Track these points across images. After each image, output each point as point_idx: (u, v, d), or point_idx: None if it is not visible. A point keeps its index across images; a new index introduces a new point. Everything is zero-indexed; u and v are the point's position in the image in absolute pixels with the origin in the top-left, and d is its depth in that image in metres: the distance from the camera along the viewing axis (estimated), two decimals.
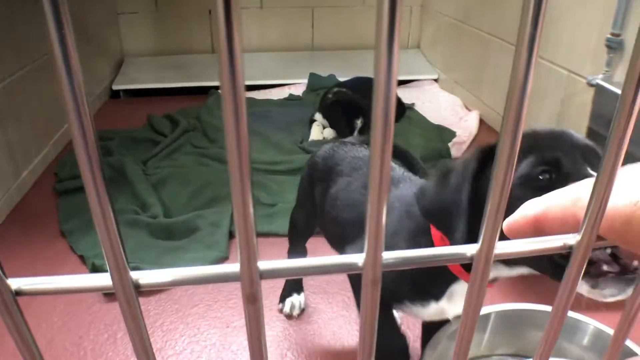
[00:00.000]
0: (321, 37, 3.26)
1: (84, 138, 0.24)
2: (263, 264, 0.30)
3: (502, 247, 0.34)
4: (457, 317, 0.98)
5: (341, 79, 2.73)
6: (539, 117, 2.02)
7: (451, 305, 0.88)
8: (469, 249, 0.34)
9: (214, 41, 3.16)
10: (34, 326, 1.25)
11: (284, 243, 1.55)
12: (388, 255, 0.32)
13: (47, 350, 1.20)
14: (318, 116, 2.28)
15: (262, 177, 1.87)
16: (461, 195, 0.72)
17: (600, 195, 0.31)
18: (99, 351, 1.20)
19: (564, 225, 0.35)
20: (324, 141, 2.18)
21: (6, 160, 1.73)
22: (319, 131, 2.24)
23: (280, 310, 1.31)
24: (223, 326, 1.26)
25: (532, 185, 0.68)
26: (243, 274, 0.29)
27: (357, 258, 0.31)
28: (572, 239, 0.34)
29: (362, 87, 2.35)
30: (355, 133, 2.12)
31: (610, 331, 1.00)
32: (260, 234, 1.60)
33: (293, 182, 1.84)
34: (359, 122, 2.13)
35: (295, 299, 1.31)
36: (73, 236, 1.57)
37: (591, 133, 1.72)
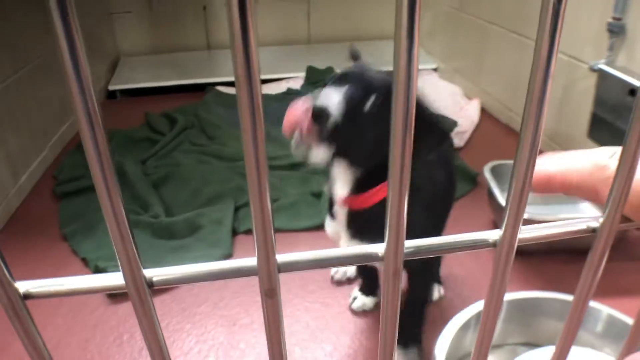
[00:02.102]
0: (318, 30, 3.23)
1: (93, 138, 0.23)
2: (281, 257, 0.28)
3: (525, 232, 0.32)
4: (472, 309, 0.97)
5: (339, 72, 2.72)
6: None
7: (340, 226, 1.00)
8: (491, 235, 0.33)
9: (209, 37, 3.14)
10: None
11: (288, 238, 1.54)
12: (409, 244, 0.31)
13: (54, 354, 1.18)
14: None
15: None
16: None
17: (625, 173, 0.29)
18: (106, 354, 1.19)
19: (579, 190, 0.34)
20: None
21: (4, 164, 1.71)
22: None
23: (350, 304, 1.29)
24: (230, 324, 1.24)
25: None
26: (261, 268, 0.28)
27: (377, 248, 0.30)
28: (594, 221, 0.32)
29: None
30: None
31: (624, 317, 0.99)
32: None
33: (294, 176, 1.83)
34: None
35: (368, 300, 1.27)
36: (75, 239, 1.56)
37: (595, 118, 1.71)
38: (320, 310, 1.28)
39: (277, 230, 1.55)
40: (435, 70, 2.94)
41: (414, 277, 1.09)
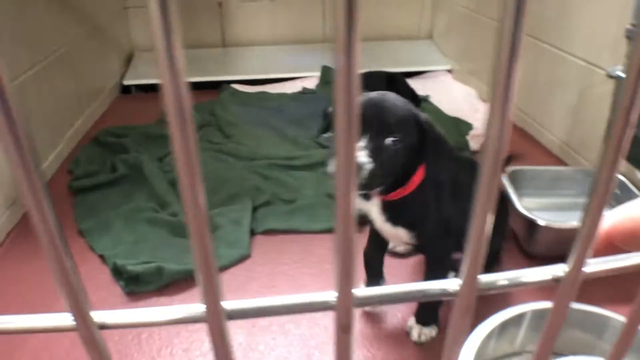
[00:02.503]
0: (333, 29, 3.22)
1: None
2: (359, 292, 0.29)
3: (592, 267, 0.32)
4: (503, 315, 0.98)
5: None
6: (556, 109, 2.00)
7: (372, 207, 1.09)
8: (556, 270, 0.33)
9: (225, 34, 3.14)
10: None
11: (305, 240, 1.55)
12: (485, 279, 0.31)
13: (72, 350, 1.19)
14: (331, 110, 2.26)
15: (279, 172, 1.85)
16: None
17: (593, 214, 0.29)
18: (124, 353, 1.19)
19: (635, 239, 0.33)
20: None
21: None
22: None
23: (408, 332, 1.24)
24: (249, 326, 1.25)
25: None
26: (340, 303, 0.28)
27: (449, 284, 0.30)
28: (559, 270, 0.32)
29: (373, 81, 2.33)
30: None
31: None
32: (279, 231, 1.59)
33: (311, 177, 1.83)
34: None
35: (427, 331, 1.22)
36: (92, 235, 1.56)
37: (612, 126, 1.70)
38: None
39: (293, 232, 1.56)
40: (449, 71, 2.93)
41: (430, 261, 1.18)
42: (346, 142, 0.22)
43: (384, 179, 0.97)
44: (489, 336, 0.94)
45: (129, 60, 3.01)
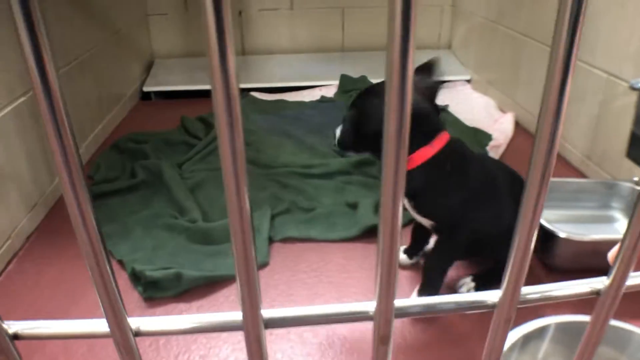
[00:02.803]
0: (352, 38, 3.24)
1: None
2: (399, 302, 0.29)
3: (633, 280, 0.32)
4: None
5: (373, 80, 2.72)
6: (577, 120, 1.98)
7: None
8: (595, 283, 0.32)
9: (244, 42, 3.16)
10: None
11: (323, 248, 1.54)
12: (525, 291, 0.31)
13: (88, 357, 1.20)
14: None
15: (297, 181, 1.85)
16: None
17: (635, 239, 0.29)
18: (143, 358, 1.20)
19: None
20: None
21: (42, 163, 1.74)
22: None
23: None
24: (266, 333, 1.24)
25: None
26: (379, 314, 0.28)
27: (490, 296, 0.30)
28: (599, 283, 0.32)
29: None
30: None
31: None
32: (298, 239, 1.59)
33: (329, 186, 1.83)
34: None
35: (404, 258, 1.45)
36: (111, 240, 1.57)
37: (635, 138, 1.68)
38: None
39: (311, 240, 1.56)
40: (468, 81, 2.93)
41: (440, 243, 1.27)
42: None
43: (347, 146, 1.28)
44: (511, 349, 0.93)
45: (149, 67, 3.04)
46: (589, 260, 1.36)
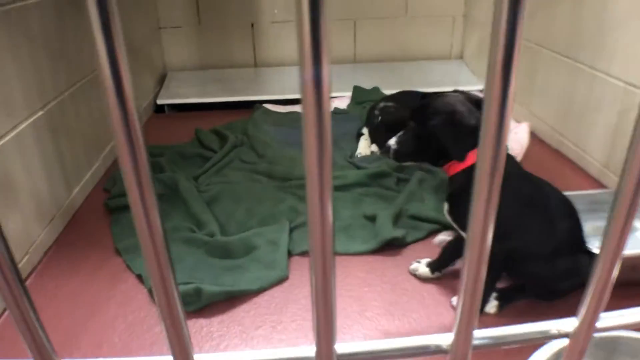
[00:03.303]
0: (363, 49, 3.24)
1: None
2: (478, 333, 0.28)
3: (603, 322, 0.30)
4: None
5: (385, 92, 2.71)
6: (594, 128, 1.97)
7: None
8: (566, 325, 0.31)
9: (256, 54, 3.17)
10: (94, 348, 1.24)
11: (343, 262, 1.53)
12: (601, 324, 0.30)
13: None
14: (366, 131, 2.26)
15: None
16: None
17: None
18: None
19: None
20: (372, 156, 2.15)
21: (60, 177, 1.74)
22: (367, 145, 2.22)
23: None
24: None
25: None
26: (457, 347, 0.27)
27: (564, 325, 0.29)
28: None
29: (409, 100, 2.33)
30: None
31: None
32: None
33: (346, 198, 1.82)
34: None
35: (426, 270, 1.46)
36: (129, 254, 1.57)
37: None
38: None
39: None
40: (480, 91, 2.92)
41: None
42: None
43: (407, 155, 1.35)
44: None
45: (162, 79, 3.05)
46: (626, 275, 1.36)
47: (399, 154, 1.36)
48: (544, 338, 0.28)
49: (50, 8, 1.76)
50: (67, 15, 1.88)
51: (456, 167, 1.25)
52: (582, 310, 0.27)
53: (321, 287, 0.24)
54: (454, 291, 1.40)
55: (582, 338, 0.27)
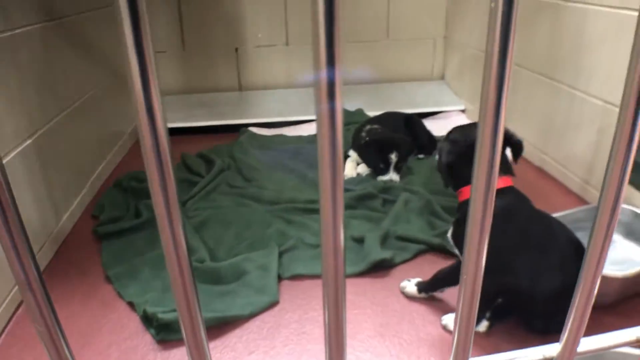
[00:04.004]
0: (346, 72, 3.28)
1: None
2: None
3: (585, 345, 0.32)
4: None
5: (369, 113, 2.75)
6: (575, 146, 2.01)
7: None
8: (549, 350, 0.34)
9: (241, 78, 3.20)
10: None
11: None
12: (582, 348, 0.32)
13: None
14: (352, 153, 2.29)
15: (302, 216, 1.86)
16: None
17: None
18: None
19: None
20: (358, 178, 2.18)
21: (49, 204, 1.74)
22: (353, 167, 2.25)
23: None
24: None
25: None
26: None
27: (550, 350, 0.31)
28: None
29: (393, 121, 2.37)
30: (391, 168, 2.12)
31: None
32: (306, 276, 1.59)
33: None
34: (393, 157, 2.13)
35: (413, 289, 1.48)
36: (120, 282, 1.57)
37: (635, 165, 1.71)
38: None
39: (320, 277, 1.56)
40: (463, 111, 2.97)
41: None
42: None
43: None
44: None
45: None
46: (631, 290, 1.44)
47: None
48: None
49: (37, 38, 1.77)
50: (53, 45, 1.89)
51: (466, 194, 1.30)
52: (564, 336, 0.30)
53: (333, 312, 0.26)
54: (443, 311, 1.42)
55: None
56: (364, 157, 2.23)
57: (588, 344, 0.31)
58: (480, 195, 0.30)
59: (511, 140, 1.35)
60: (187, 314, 0.27)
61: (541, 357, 0.29)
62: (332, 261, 0.26)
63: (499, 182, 1.24)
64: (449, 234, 1.35)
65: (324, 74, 0.23)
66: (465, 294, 0.25)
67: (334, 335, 0.27)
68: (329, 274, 0.27)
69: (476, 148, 0.31)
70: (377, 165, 2.15)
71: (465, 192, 1.31)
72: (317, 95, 0.25)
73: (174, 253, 0.26)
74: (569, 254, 1.24)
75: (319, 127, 0.25)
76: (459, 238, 1.30)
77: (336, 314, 0.27)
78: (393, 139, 2.18)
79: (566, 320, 0.29)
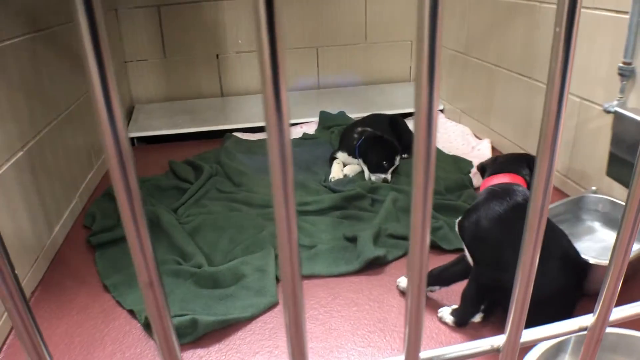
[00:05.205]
0: (326, 76, 3.33)
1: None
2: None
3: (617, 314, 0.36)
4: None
5: (351, 116, 2.80)
6: None
7: None
8: (584, 320, 0.38)
9: (223, 84, 3.22)
10: None
11: (330, 284, 1.58)
12: (615, 316, 0.36)
13: None
14: (340, 154, 2.32)
15: None
16: None
17: None
18: None
19: None
20: (346, 179, 2.22)
21: (41, 215, 1.75)
22: (339, 169, 2.29)
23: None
24: None
25: None
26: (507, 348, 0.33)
27: (585, 320, 0.35)
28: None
29: (379, 122, 2.41)
30: (391, 169, 2.17)
31: None
32: (304, 277, 1.61)
33: (324, 221, 1.88)
34: (397, 159, 2.19)
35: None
36: (118, 290, 1.58)
37: (613, 157, 1.78)
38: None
39: (317, 277, 1.60)
40: (441, 111, 3.03)
41: (471, 272, 1.37)
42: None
43: None
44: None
45: (130, 113, 3.06)
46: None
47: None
48: (565, 334, 0.34)
49: (25, 49, 1.78)
50: (41, 56, 1.90)
51: (483, 185, 1.41)
52: (598, 306, 0.33)
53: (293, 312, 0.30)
54: (438, 304, 1.47)
55: (597, 331, 0.33)
56: (366, 154, 2.22)
57: (622, 312, 0.35)
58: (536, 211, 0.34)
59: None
60: (158, 321, 0.31)
61: (576, 327, 0.33)
62: (288, 261, 0.30)
63: (511, 177, 1.34)
64: (457, 221, 1.39)
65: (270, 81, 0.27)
66: (518, 296, 0.29)
67: (294, 336, 0.31)
68: (286, 274, 0.30)
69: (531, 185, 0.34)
70: (380, 163, 2.17)
71: (483, 184, 1.41)
72: (265, 100, 0.28)
73: (143, 264, 0.29)
74: (564, 256, 1.29)
75: (268, 135, 0.28)
76: (461, 225, 1.35)
77: (295, 313, 0.31)
78: (394, 142, 2.24)
79: (600, 292, 0.33)
